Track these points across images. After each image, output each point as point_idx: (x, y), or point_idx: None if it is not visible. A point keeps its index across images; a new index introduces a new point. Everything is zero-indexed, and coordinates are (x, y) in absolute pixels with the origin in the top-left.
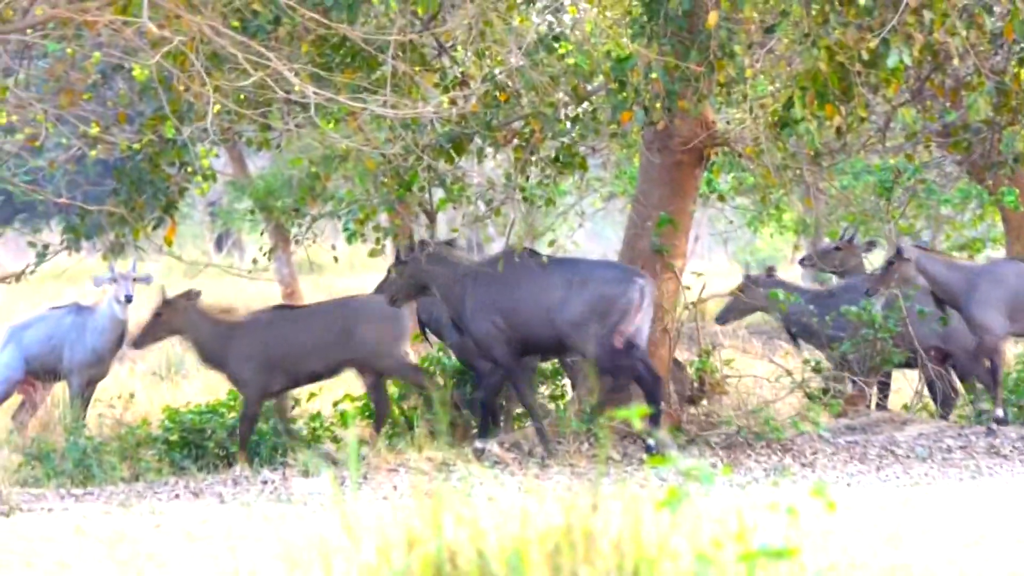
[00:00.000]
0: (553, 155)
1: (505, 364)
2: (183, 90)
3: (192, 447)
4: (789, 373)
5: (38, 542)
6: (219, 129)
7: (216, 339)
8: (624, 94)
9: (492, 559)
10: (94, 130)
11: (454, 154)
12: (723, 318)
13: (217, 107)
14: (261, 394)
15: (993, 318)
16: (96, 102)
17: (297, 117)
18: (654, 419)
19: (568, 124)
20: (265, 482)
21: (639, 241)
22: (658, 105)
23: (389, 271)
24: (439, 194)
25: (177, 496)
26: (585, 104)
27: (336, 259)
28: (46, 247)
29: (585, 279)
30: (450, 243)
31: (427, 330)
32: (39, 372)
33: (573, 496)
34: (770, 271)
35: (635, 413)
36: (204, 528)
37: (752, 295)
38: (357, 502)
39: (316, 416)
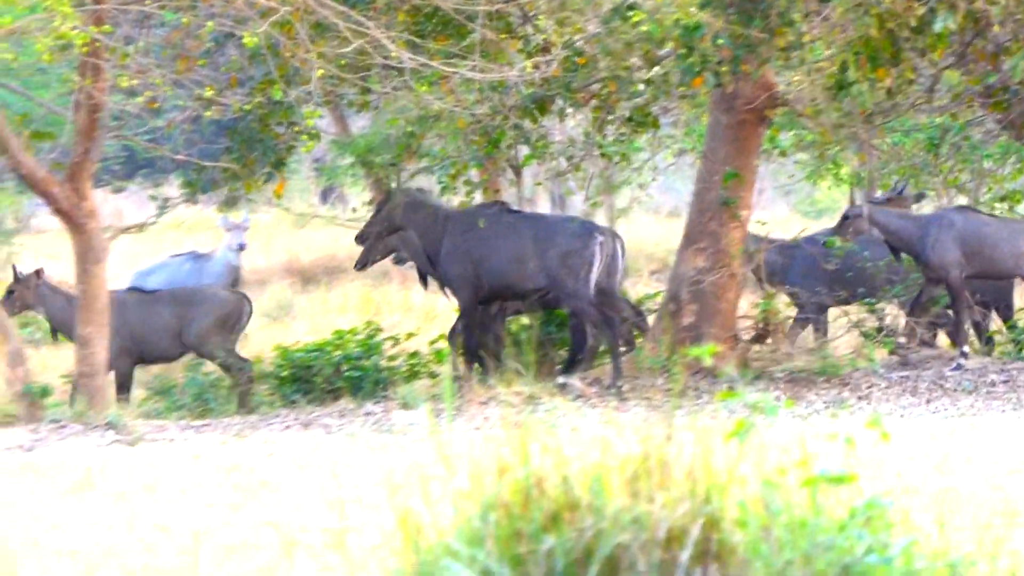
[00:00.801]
0: (628, 115)
1: (466, 307)
2: (289, 56)
3: (301, 382)
4: (846, 314)
5: (160, 470)
6: (323, 92)
7: (69, 313)
8: (692, 59)
9: (575, 485)
10: (208, 93)
11: (538, 114)
12: None
13: (321, 72)
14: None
15: (950, 258)
16: (210, 67)
17: (394, 81)
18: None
19: (641, 86)
20: (368, 414)
21: (708, 194)
22: (724, 69)
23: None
24: (524, 151)
25: (288, 428)
26: (657, 68)
27: None
28: (166, 200)
29: (551, 234)
30: (422, 190)
31: (427, 280)
32: None
33: (649, 427)
34: None
35: (706, 351)
36: (312, 457)
37: None
38: (452, 433)
39: (414, 354)
